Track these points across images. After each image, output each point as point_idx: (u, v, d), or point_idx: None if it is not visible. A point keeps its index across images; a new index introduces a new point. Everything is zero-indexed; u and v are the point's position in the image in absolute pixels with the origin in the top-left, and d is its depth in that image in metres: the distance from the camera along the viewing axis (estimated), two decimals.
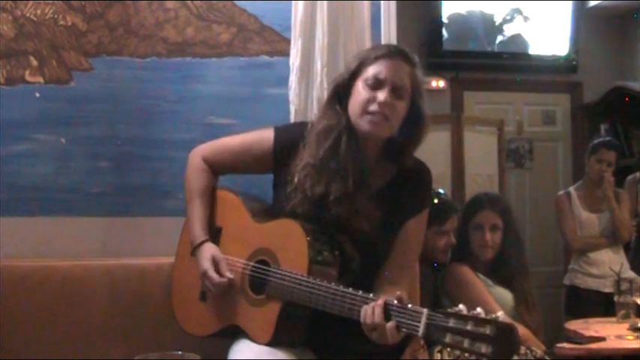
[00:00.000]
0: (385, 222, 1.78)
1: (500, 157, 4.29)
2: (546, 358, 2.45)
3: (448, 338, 1.38)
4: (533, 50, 5.22)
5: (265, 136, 1.89)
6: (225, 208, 1.93)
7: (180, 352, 1.45)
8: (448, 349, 1.39)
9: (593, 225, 3.89)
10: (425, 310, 1.44)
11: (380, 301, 1.51)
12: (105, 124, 2.37)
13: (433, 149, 3.95)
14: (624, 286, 3.15)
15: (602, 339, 2.82)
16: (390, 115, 1.72)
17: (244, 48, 2.48)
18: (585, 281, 3.84)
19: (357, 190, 1.74)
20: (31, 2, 2.33)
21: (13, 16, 2.31)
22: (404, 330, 1.48)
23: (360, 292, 1.57)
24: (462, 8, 5.09)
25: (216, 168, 1.96)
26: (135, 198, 2.38)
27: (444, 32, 5.04)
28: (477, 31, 5.13)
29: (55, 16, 2.35)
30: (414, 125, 1.79)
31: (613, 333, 2.91)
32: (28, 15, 2.33)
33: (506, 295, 2.64)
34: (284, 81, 2.38)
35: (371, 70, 1.75)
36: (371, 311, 1.51)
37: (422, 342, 2.22)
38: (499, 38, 5.19)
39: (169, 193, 2.34)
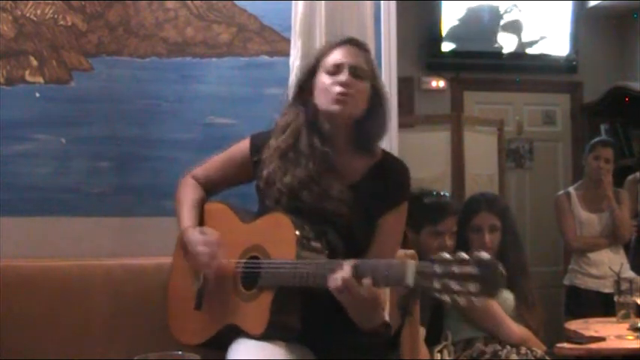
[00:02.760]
0: (364, 211, 1.80)
1: (500, 157, 4.29)
2: (546, 358, 2.45)
3: (436, 284, 1.41)
4: (527, 36, 5.23)
5: (243, 144, 1.96)
6: (214, 218, 1.94)
7: (180, 352, 1.45)
8: (437, 294, 1.41)
9: (593, 225, 3.90)
10: (411, 261, 1.49)
11: (351, 261, 1.57)
12: (105, 124, 2.37)
13: (433, 149, 3.97)
14: (624, 286, 3.15)
15: (602, 339, 2.82)
16: (355, 93, 1.81)
17: (244, 48, 2.48)
18: (585, 282, 3.85)
19: (326, 175, 1.79)
20: (31, 2, 2.33)
21: (13, 16, 2.31)
22: (392, 285, 1.54)
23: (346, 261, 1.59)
24: (462, 8, 5.09)
25: (206, 186, 2.00)
26: (135, 198, 2.38)
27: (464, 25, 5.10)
28: (483, 20, 5.17)
29: (55, 16, 2.35)
30: (378, 107, 1.86)
31: (613, 333, 2.91)
32: (28, 15, 2.33)
33: (507, 295, 2.63)
34: (284, 81, 2.37)
35: (329, 60, 1.85)
36: (340, 270, 1.56)
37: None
38: (500, 22, 5.21)
39: (169, 193, 2.32)
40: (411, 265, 1.47)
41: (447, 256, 1.42)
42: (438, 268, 1.41)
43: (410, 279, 1.46)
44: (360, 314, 1.62)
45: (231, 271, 1.79)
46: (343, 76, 1.80)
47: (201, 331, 1.85)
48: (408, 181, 1.91)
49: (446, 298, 1.40)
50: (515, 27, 5.21)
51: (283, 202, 1.79)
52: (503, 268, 1.38)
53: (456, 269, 1.39)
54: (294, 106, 1.90)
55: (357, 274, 1.54)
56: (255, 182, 1.91)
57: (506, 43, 5.21)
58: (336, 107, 1.80)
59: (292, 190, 1.78)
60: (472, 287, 1.37)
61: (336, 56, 1.84)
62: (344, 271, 1.55)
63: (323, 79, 1.83)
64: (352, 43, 1.89)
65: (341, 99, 1.79)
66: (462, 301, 1.38)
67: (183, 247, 1.87)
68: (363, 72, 1.83)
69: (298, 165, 1.80)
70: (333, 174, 1.81)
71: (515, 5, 5.18)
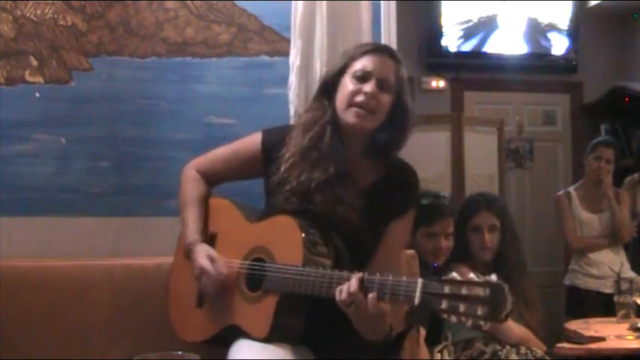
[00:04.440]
0: (371, 219, 1.79)
1: (500, 157, 4.28)
2: (546, 358, 2.45)
3: (444, 305, 1.41)
4: (527, 36, 5.22)
5: (253, 139, 1.93)
6: (218, 213, 1.93)
7: (180, 352, 1.45)
8: (444, 315, 1.40)
9: (593, 225, 3.89)
10: (419, 280, 1.47)
11: (358, 274, 1.55)
12: (105, 124, 2.37)
13: (433, 149, 3.96)
14: (624, 286, 3.16)
15: (602, 339, 2.83)
16: (376, 107, 1.78)
17: (244, 48, 2.48)
18: (585, 282, 3.85)
19: (341, 180, 1.77)
20: (31, 2, 2.33)
21: (13, 16, 2.31)
22: (399, 302, 1.51)
23: (353, 273, 1.58)
24: (462, 8, 5.09)
25: (209, 177, 1.99)
26: (135, 198, 2.38)
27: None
28: (484, 20, 5.17)
29: (55, 16, 2.35)
30: (398, 120, 1.83)
31: (613, 333, 2.91)
32: (28, 15, 2.33)
33: None
34: (284, 81, 2.38)
35: (358, 65, 1.81)
36: (347, 284, 1.54)
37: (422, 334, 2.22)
38: (500, 22, 5.20)
39: (169, 193, 2.33)
40: (420, 284, 1.45)
41: (456, 276, 1.41)
42: (446, 289, 1.41)
43: (417, 298, 1.45)
44: (364, 327, 1.60)
45: (235, 271, 1.79)
46: (369, 87, 1.77)
47: (202, 328, 1.85)
48: (417, 189, 1.91)
49: (452, 318, 1.40)
50: (514, 27, 5.21)
51: (293, 202, 1.77)
52: (510, 293, 1.37)
53: (464, 291, 1.39)
54: (319, 103, 1.86)
55: (364, 287, 1.53)
56: (264, 179, 1.89)
57: (507, 43, 5.20)
58: (354, 120, 1.77)
59: (306, 191, 1.76)
60: (479, 310, 1.36)
61: (367, 63, 1.80)
62: (351, 283, 1.54)
63: (348, 83, 1.80)
64: (386, 52, 1.85)
65: (361, 113, 1.77)
66: (468, 323, 1.38)
67: (184, 251, 1.87)
68: (389, 84, 1.80)
69: (318, 166, 1.77)
70: (348, 179, 1.79)
71: (514, 5, 5.17)
